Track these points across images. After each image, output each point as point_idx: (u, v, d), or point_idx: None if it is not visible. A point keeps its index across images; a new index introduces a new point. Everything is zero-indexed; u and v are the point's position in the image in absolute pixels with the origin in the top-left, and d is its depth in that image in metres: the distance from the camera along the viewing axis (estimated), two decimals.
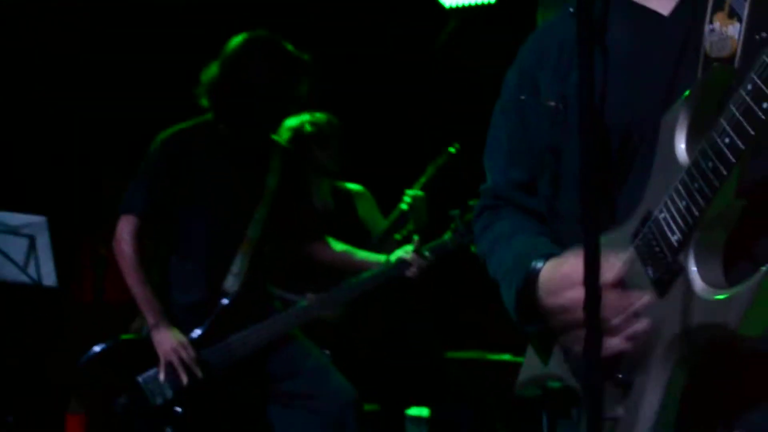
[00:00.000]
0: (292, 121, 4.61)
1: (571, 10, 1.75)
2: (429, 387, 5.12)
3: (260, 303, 3.97)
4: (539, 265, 1.67)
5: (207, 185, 3.85)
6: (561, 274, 1.61)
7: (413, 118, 5.67)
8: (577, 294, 1.52)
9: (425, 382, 5.19)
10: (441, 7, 5.56)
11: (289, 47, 3.93)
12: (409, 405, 5.06)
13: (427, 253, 4.07)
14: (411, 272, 4.03)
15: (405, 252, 4.08)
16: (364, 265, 4.12)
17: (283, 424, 3.94)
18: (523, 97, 1.82)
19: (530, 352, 1.82)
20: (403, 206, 4.61)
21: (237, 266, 3.87)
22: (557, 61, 1.76)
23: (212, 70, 3.89)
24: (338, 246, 4.23)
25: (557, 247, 1.72)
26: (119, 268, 3.84)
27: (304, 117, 4.59)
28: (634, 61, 1.66)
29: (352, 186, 4.85)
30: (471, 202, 3.97)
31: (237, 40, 3.92)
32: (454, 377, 4.88)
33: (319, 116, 4.64)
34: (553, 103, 1.74)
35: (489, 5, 5.41)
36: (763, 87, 1.34)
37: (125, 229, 3.83)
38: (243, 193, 3.92)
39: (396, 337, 5.26)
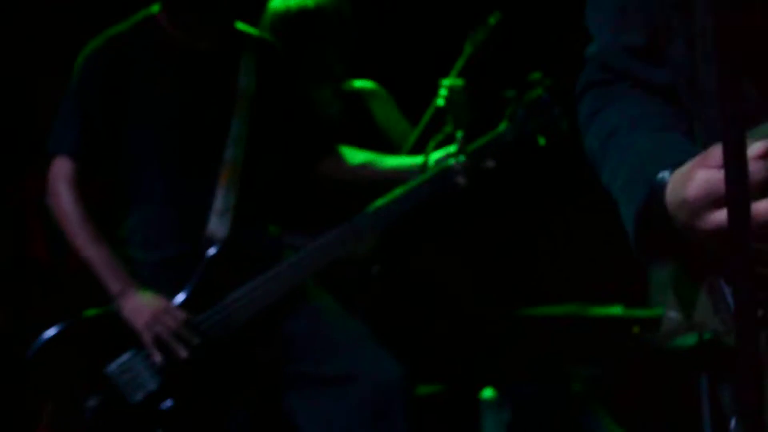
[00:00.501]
0: (276, 2, 3.91)
1: None
2: (510, 359, 4.53)
3: (261, 247, 3.47)
4: (666, 176, 1.43)
5: (159, 102, 3.42)
6: (690, 192, 1.34)
7: None
8: (718, 215, 1.30)
9: (504, 353, 4.62)
10: None
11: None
12: (485, 384, 4.43)
13: (477, 153, 3.44)
14: (460, 181, 3.43)
15: (447, 154, 3.47)
16: (397, 176, 3.56)
17: (306, 416, 3.42)
18: None
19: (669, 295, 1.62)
20: (439, 101, 3.92)
21: (220, 202, 3.38)
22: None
23: None
24: (357, 156, 3.68)
25: (695, 145, 1.52)
26: (60, 226, 3.42)
27: None
28: None
29: (363, 84, 4.12)
30: (533, 76, 3.48)
31: None
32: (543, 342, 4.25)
33: None
34: None
35: None
36: None
37: (59, 175, 3.41)
38: (208, 104, 3.43)
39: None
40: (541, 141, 3.43)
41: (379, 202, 3.43)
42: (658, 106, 1.66)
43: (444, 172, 3.42)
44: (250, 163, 3.42)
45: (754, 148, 1.29)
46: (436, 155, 3.48)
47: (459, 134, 3.47)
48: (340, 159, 3.66)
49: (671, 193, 1.41)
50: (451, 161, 3.41)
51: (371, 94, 4.11)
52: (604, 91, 1.73)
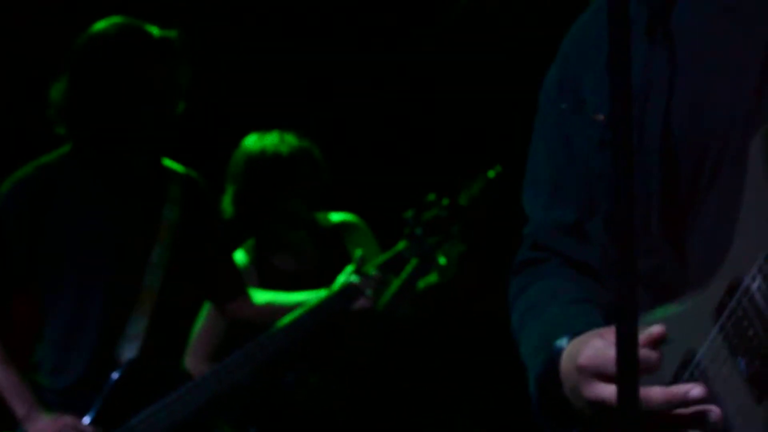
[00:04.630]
0: (251, 140, 3.87)
1: None
2: None
3: (170, 373, 3.48)
4: (564, 343, 1.44)
5: (80, 231, 3.37)
6: (582, 360, 1.36)
7: (426, 122, 4.96)
8: (602, 388, 1.32)
9: None
10: None
11: (150, 29, 3.36)
12: None
13: (374, 272, 3.50)
14: (362, 302, 3.49)
15: (348, 275, 3.52)
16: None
17: None
18: (564, 107, 1.59)
19: None
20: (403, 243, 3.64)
21: (133, 328, 3.38)
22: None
23: (60, 85, 3.37)
24: (262, 296, 3.67)
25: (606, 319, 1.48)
26: None
27: (269, 139, 3.88)
28: (708, 55, 1.41)
29: (340, 217, 4.02)
30: (429, 198, 3.54)
31: (80, 39, 3.38)
32: None
33: (289, 139, 3.89)
34: (601, 117, 1.50)
35: None
36: None
37: None
38: (131, 232, 3.41)
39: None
40: (442, 260, 3.54)
41: (280, 323, 3.48)
42: (581, 281, 1.61)
43: (343, 292, 3.48)
44: (167, 292, 3.41)
45: (645, 334, 1.32)
46: (339, 279, 3.53)
47: (358, 253, 3.55)
48: (245, 301, 3.63)
49: (566, 359, 1.42)
50: (352, 279, 3.48)
51: (348, 228, 4.02)
52: (533, 270, 1.69)
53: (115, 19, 3.36)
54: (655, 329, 1.32)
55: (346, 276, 3.51)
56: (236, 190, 3.87)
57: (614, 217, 1.10)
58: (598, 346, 1.35)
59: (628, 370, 1.09)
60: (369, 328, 3.91)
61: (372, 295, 3.50)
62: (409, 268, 3.61)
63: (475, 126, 4.78)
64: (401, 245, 3.55)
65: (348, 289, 3.48)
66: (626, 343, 1.08)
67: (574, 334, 1.43)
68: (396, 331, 4.09)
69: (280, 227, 3.90)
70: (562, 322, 1.49)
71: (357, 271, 3.49)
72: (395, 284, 3.66)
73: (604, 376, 1.33)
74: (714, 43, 1.40)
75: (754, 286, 1.27)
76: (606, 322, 1.43)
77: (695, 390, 1.30)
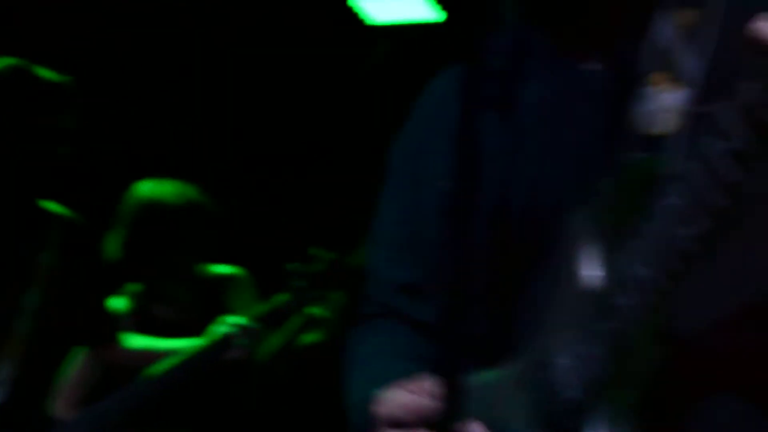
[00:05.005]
0: (146, 187, 3.77)
1: None
2: None
3: (36, 419, 3.43)
4: (377, 394, 1.43)
5: None
6: (377, 409, 1.39)
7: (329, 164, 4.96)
8: None
9: None
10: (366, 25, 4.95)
11: (40, 73, 3.31)
12: None
13: (250, 323, 3.48)
14: (236, 353, 3.46)
15: (225, 326, 3.48)
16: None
17: None
18: (415, 170, 1.59)
19: None
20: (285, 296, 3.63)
21: (1, 373, 3.28)
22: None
23: None
24: (137, 342, 3.62)
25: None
26: None
27: (165, 188, 3.79)
28: (549, 133, 1.43)
29: (222, 270, 3.94)
30: (314, 251, 3.55)
31: None
32: None
33: (184, 191, 3.83)
34: (444, 184, 1.43)
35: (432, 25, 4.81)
36: (691, 205, 1.09)
37: None
38: (4, 277, 3.34)
39: None
40: (315, 333, 3.53)
41: (153, 370, 3.44)
42: (415, 339, 1.61)
43: (217, 342, 3.45)
44: (38, 337, 3.32)
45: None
46: (217, 329, 3.50)
47: (236, 304, 3.57)
48: (116, 346, 3.57)
49: (372, 408, 1.43)
50: (228, 330, 3.45)
51: (229, 282, 3.95)
52: (370, 325, 1.69)
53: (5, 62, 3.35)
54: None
55: (221, 326, 3.49)
56: (124, 235, 3.81)
57: (443, 279, 1.10)
58: (397, 396, 1.37)
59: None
60: (249, 381, 3.88)
61: (246, 347, 3.47)
62: (291, 323, 3.59)
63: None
64: (282, 297, 3.54)
65: (222, 339, 3.46)
66: (449, 403, 1.09)
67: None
68: (277, 386, 4.06)
69: (165, 278, 3.84)
70: (383, 374, 1.49)
71: (233, 322, 3.47)
72: (277, 339, 3.63)
73: (398, 425, 1.35)
74: (553, 121, 1.42)
75: (559, 362, 1.30)
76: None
77: None
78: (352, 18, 5.02)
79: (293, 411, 4.30)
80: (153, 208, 3.78)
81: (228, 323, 3.47)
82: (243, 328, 3.47)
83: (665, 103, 1.28)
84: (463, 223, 1.10)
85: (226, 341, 3.45)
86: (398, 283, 1.62)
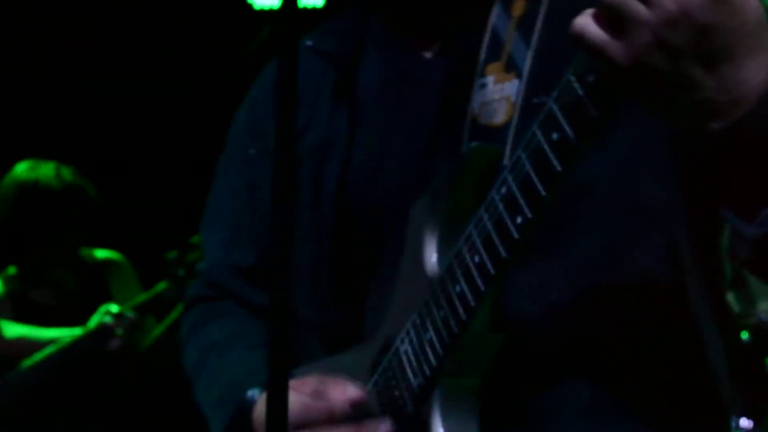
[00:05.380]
0: (23, 167, 3.70)
1: (309, 42, 1.51)
2: None
3: None
4: (256, 395, 1.42)
5: None
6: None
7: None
8: None
9: None
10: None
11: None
12: None
13: (129, 313, 3.44)
14: (114, 343, 3.43)
15: (102, 315, 3.45)
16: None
17: None
18: (252, 152, 1.57)
19: None
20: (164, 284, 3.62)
21: None
22: None
23: None
24: (13, 330, 3.53)
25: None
26: None
27: (44, 170, 3.70)
28: (383, 120, 1.43)
29: (104, 254, 3.88)
30: (193, 239, 3.47)
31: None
32: None
33: (64, 173, 3.72)
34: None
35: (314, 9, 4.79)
36: (517, 194, 1.10)
37: None
38: None
39: None
40: None
41: (30, 360, 3.38)
42: (259, 325, 1.59)
43: (95, 332, 3.41)
44: None
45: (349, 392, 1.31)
46: (95, 318, 3.45)
47: (116, 292, 3.53)
48: None
49: (260, 411, 1.40)
50: (105, 319, 3.40)
51: (111, 266, 3.91)
52: (210, 307, 1.67)
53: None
54: (356, 394, 1.32)
55: (100, 316, 3.44)
56: (2, 216, 3.72)
57: (270, 264, 1.07)
58: (293, 400, 1.32)
59: (277, 404, 1.07)
60: (131, 370, 3.84)
61: (124, 336, 3.43)
62: (173, 312, 3.55)
63: None
64: (162, 286, 3.51)
65: (100, 329, 3.42)
66: (276, 388, 1.06)
67: (264, 385, 1.40)
68: (159, 374, 4.01)
69: (43, 261, 3.76)
70: (247, 372, 1.47)
71: (111, 311, 3.43)
72: (159, 328, 3.59)
73: (299, 427, 1.33)
74: (391, 107, 1.42)
75: (402, 348, 1.30)
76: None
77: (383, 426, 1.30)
78: (240, 2, 5.00)
79: (175, 398, 4.25)
80: (34, 190, 3.69)
81: (106, 313, 3.42)
82: (121, 318, 3.42)
83: (499, 93, 1.29)
84: (285, 210, 1.06)
85: (104, 331, 3.41)
86: (237, 267, 1.61)
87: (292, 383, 1.33)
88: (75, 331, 3.46)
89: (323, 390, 1.32)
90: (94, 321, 3.44)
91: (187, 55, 4.93)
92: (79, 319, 3.55)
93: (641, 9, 0.96)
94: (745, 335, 1.98)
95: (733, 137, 1.00)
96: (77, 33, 4.77)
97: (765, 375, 1.34)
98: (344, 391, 1.32)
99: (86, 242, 3.84)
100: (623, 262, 1.25)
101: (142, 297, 3.52)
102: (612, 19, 0.97)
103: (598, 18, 0.99)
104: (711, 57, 0.97)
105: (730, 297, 1.61)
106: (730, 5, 0.96)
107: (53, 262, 3.77)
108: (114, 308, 3.44)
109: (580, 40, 0.99)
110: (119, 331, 3.41)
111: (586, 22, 0.99)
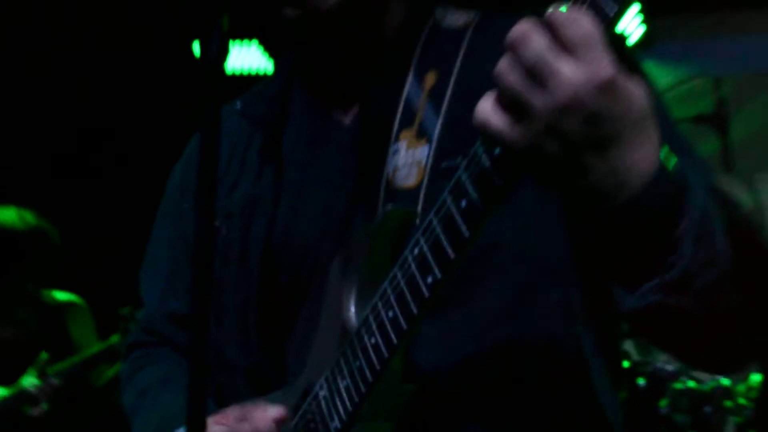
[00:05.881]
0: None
1: (238, 106, 1.60)
2: None
3: None
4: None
5: None
6: None
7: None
8: None
9: None
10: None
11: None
12: None
13: (56, 380, 3.40)
14: (36, 410, 3.34)
15: (29, 379, 3.38)
16: None
17: None
18: (186, 206, 1.63)
19: None
20: (117, 337, 3.68)
21: None
22: (225, 167, 1.57)
23: None
24: None
25: (217, 405, 1.51)
26: None
27: (7, 214, 3.75)
28: (306, 180, 1.50)
29: (63, 297, 3.92)
30: (124, 311, 3.55)
31: None
32: None
33: (26, 217, 3.79)
34: (216, 222, 1.54)
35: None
36: (428, 255, 1.16)
37: None
38: None
39: None
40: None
41: None
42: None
43: (18, 397, 3.36)
44: None
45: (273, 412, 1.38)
46: (21, 382, 3.42)
47: (43, 356, 3.44)
48: None
49: None
50: (30, 385, 3.36)
51: (70, 309, 3.94)
52: (147, 352, 1.73)
53: None
54: (278, 413, 1.38)
55: (27, 379, 3.41)
56: None
57: (191, 313, 1.12)
58: (215, 430, 1.40)
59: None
60: (87, 412, 3.84)
61: (44, 407, 3.37)
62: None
63: None
64: (114, 338, 3.54)
65: (23, 395, 3.37)
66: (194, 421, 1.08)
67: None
68: (113, 414, 4.01)
69: (5, 301, 3.79)
70: (177, 412, 1.51)
71: (38, 377, 3.40)
72: (112, 370, 3.62)
73: None
74: (313, 169, 1.49)
75: (321, 394, 1.37)
76: (216, 407, 1.48)
77: None
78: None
79: None
80: None
81: (31, 378, 3.39)
82: (47, 386, 3.39)
83: (411, 157, 1.36)
84: (205, 260, 1.10)
85: (27, 398, 3.37)
86: (169, 313, 1.67)
87: (214, 417, 1.41)
88: (2, 392, 3.42)
89: (246, 415, 1.38)
90: (21, 383, 3.41)
91: (150, 97, 4.98)
92: (36, 357, 3.54)
93: (535, 96, 1.00)
94: (641, 381, 2.07)
95: (618, 217, 1.04)
96: (30, 75, 4.78)
97: (659, 417, 1.42)
98: (266, 413, 1.38)
99: (48, 284, 3.89)
100: (523, 316, 1.32)
101: (91, 350, 3.55)
102: (511, 103, 1.02)
103: (499, 100, 1.03)
104: (600, 142, 1.01)
105: (629, 346, 1.70)
106: (619, 94, 1.00)
107: (16, 302, 3.81)
108: (35, 378, 3.40)
109: (482, 126, 1.04)
110: (41, 398, 3.38)
111: (487, 108, 1.04)
